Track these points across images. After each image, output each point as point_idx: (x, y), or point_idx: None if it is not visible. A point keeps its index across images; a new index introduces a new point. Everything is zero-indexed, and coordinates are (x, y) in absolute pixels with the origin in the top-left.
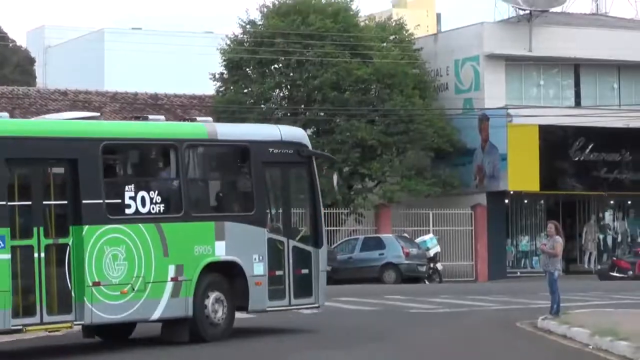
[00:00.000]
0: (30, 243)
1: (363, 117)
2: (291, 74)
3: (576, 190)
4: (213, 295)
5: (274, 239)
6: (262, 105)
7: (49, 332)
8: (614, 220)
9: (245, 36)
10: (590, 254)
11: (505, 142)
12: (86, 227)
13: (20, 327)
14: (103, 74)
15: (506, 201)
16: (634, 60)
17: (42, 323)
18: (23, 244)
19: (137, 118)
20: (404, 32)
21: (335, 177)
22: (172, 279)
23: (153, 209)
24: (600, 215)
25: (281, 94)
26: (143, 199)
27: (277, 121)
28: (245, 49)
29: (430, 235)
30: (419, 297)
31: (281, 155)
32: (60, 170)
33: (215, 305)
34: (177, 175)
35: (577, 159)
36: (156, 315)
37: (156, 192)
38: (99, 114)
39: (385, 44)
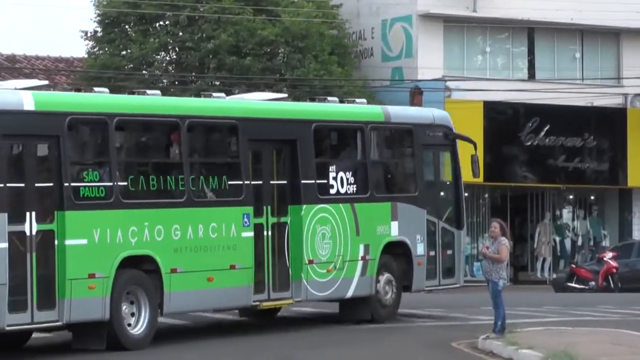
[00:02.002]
0: (261, 221)
1: (268, 88)
2: (180, 34)
3: (528, 182)
4: (385, 276)
5: (429, 220)
6: (144, 72)
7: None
8: (573, 220)
9: None
10: (544, 260)
11: None
12: (304, 207)
13: (257, 303)
14: None
15: None
16: (600, 25)
17: (269, 299)
18: (257, 222)
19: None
20: None
21: (476, 160)
22: (362, 258)
23: (348, 189)
24: (557, 212)
25: (167, 58)
26: (341, 179)
27: (163, 90)
28: (125, 1)
29: None
30: (335, 310)
31: (433, 138)
32: (281, 150)
33: (386, 286)
34: (364, 156)
35: (529, 143)
36: (349, 293)
37: (350, 172)
38: (286, 95)
39: None
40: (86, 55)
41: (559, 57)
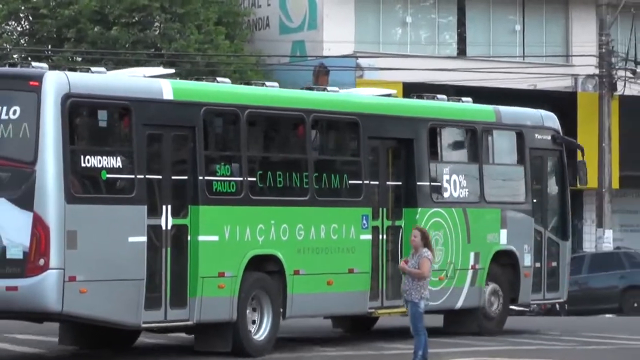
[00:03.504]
0: (377, 224)
1: (139, 65)
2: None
3: None
4: (490, 286)
5: (536, 229)
6: None
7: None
8: None
9: None
10: None
11: None
12: (419, 210)
13: (373, 310)
14: None
15: None
16: None
17: (382, 307)
18: (374, 225)
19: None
20: None
21: (583, 167)
22: (472, 267)
23: (460, 193)
24: None
25: (19, 28)
26: (454, 182)
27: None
28: None
29: None
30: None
31: (541, 142)
32: (397, 149)
33: (491, 297)
34: (475, 158)
35: None
36: (459, 304)
37: (461, 175)
38: (394, 91)
39: None
40: None
41: (495, 30)
